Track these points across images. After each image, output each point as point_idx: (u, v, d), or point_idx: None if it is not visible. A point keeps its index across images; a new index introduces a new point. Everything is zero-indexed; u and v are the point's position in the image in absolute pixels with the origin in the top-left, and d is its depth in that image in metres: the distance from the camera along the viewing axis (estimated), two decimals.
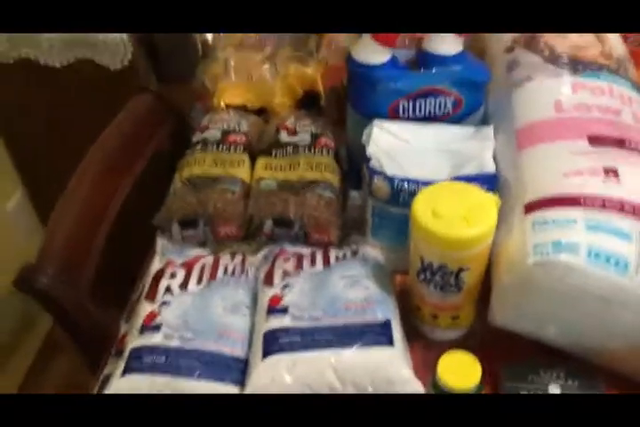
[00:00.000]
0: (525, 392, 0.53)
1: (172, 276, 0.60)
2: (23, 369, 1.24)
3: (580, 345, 0.56)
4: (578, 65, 0.64)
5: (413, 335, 0.58)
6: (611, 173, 0.54)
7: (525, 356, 0.56)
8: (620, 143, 0.57)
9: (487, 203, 0.53)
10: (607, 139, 0.57)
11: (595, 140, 0.57)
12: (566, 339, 0.56)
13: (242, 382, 0.52)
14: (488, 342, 0.58)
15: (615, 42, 0.69)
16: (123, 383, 0.52)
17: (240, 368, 0.53)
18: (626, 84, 0.64)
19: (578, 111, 0.60)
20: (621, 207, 0.52)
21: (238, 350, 0.54)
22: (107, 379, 0.54)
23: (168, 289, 0.59)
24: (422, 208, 0.52)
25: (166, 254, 0.64)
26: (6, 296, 1.00)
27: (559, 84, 0.62)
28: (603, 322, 0.52)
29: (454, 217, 0.51)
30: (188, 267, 0.61)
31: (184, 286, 0.59)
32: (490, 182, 0.58)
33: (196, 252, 0.64)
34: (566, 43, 0.66)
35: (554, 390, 0.53)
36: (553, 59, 0.65)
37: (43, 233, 0.68)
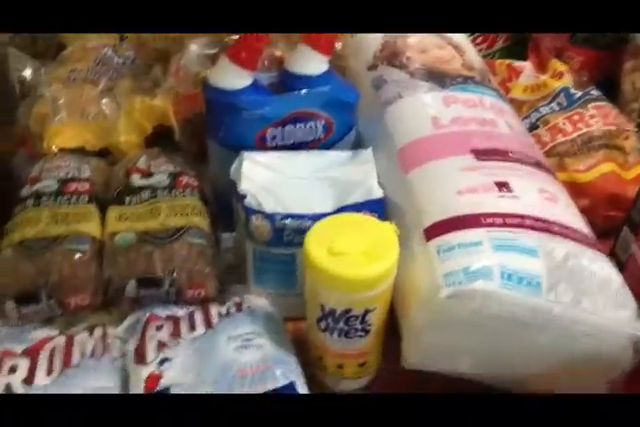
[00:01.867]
0: None
1: (12, 370, 0.47)
2: None
3: (497, 374, 0.51)
4: (444, 78, 0.62)
5: (316, 389, 0.50)
6: (503, 187, 0.51)
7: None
8: (503, 155, 0.55)
9: (386, 233, 0.47)
10: (491, 151, 0.55)
11: (479, 154, 0.54)
12: (484, 369, 0.51)
13: None
14: (397, 383, 0.53)
15: (472, 53, 0.68)
16: None
17: None
18: (492, 94, 0.62)
19: (456, 125, 0.57)
20: (522, 222, 0.49)
21: None
22: None
23: (8, 388, 0.46)
24: (316, 247, 0.45)
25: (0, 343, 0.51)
26: None
27: (431, 100, 0.59)
28: (521, 347, 0.48)
29: (354, 254, 0.45)
30: (33, 354, 0.49)
31: (29, 380, 0.47)
32: (379, 209, 0.53)
33: (40, 333, 0.52)
34: (429, 57, 0.64)
35: None
36: (419, 74, 0.62)
37: None
